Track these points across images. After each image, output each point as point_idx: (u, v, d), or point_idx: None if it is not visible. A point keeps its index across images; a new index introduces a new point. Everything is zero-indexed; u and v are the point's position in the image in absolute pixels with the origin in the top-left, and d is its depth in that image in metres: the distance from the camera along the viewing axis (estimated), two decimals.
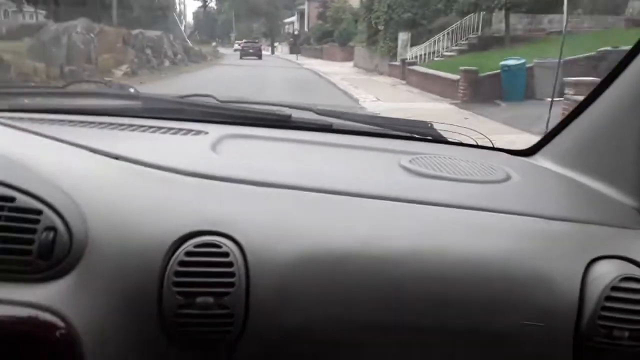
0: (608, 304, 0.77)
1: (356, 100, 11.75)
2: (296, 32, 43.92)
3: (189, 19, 57.83)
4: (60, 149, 0.88)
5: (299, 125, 1.26)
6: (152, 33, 20.09)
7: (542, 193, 0.99)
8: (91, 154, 0.89)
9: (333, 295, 0.78)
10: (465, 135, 1.32)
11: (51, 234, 0.74)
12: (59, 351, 0.72)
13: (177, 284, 0.75)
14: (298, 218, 0.83)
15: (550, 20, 17.47)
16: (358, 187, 0.88)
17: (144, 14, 27.24)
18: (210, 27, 76.37)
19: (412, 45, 18.48)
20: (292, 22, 52.87)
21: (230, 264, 0.76)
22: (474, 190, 0.94)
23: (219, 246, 0.77)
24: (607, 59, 8.38)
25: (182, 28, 29.91)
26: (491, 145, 1.29)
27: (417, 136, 1.29)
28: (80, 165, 0.86)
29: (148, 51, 18.95)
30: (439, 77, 12.83)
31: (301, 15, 49.19)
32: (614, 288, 0.77)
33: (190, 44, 28.07)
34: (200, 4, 52.27)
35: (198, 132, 1.11)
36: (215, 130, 1.12)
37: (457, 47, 16.33)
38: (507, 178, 1.00)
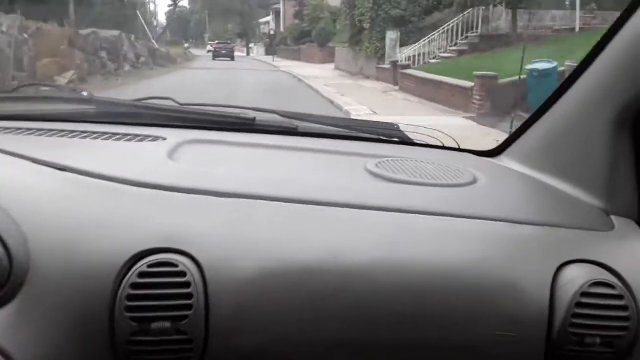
0: (579, 311, 0.75)
1: (347, 114, 9.54)
2: (272, 32, 41.79)
3: (162, 19, 55.12)
4: None
5: (264, 128, 1.21)
6: (109, 33, 17.51)
7: (509, 196, 0.97)
8: (35, 165, 0.82)
9: (297, 312, 0.74)
10: (431, 136, 1.31)
11: None
12: None
13: (130, 309, 0.70)
14: (260, 230, 0.77)
15: (553, 16, 15.65)
16: (322, 195, 0.84)
17: (105, 11, 24.54)
18: (183, 28, 74.20)
19: (401, 45, 16.39)
20: (268, 22, 51.29)
21: (187, 284, 0.70)
22: (441, 195, 0.90)
23: (175, 265, 0.71)
24: None
25: (146, 28, 27.24)
26: (457, 147, 1.28)
27: (383, 138, 1.27)
28: (21, 179, 0.80)
29: (103, 54, 16.40)
30: (443, 83, 10.69)
31: (277, 14, 47.64)
32: (584, 294, 0.75)
33: (156, 45, 25.46)
34: (171, 3, 49.58)
35: (155, 138, 1.04)
36: (174, 136, 1.06)
37: (455, 48, 14.23)
38: (474, 181, 0.97)
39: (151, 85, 14.77)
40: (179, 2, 52.10)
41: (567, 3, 16.14)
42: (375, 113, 9.46)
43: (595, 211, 0.90)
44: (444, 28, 14.44)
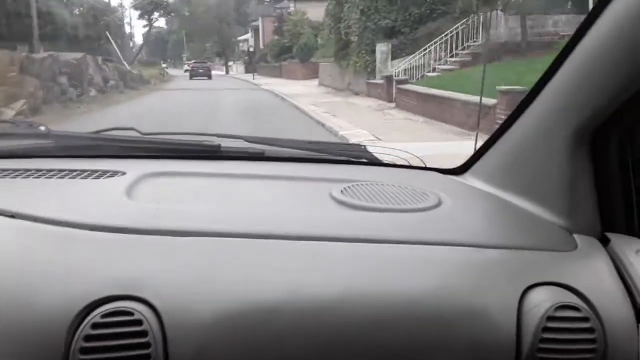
0: (546, 335, 0.73)
1: (343, 140, 7.79)
2: (251, 49, 40.36)
3: (140, 40, 53.37)
4: None
5: (229, 155, 1.20)
6: (70, 55, 15.63)
7: (473, 218, 0.94)
8: None
9: (259, 355, 0.72)
10: (397, 156, 1.32)
11: None
12: None
13: None
14: (220, 270, 0.74)
15: (555, 22, 14.25)
16: (285, 228, 0.82)
17: (73, 33, 22.63)
18: (161, 49, 72.66)
19: (392, 58, 14.85)
20: (247, 40, 49.87)
21: (144, 333, 0.67)
22: (405, 221, 0.89)
23: (130, 313, 0.68)
24: None
25: (116, 49, 25.36)
26: (423, 165, 1.29)
27: (351, 159, 1.26)
28: None
29: (63, 79, 14.51)
30: (453, 100, 9.06)
31: (255, 31, 46.56)
32: (550, 318, 0.73)
33: (127, 66, 23.52)
34: (146, 24, 47.85)
35: (114, 174, 1.01)
36: (135, 169, 1.04)
37: (455, 59, 12.69)
38: (439, 204, 0.95)
39: (116, 112, 12.95)
40: (155, 22, 50.42)
41: (568, 6, 14.78)
42: (378, 139, 7.77)
43: (557, 230, 0.88)
44: (442, 38, 12.89)
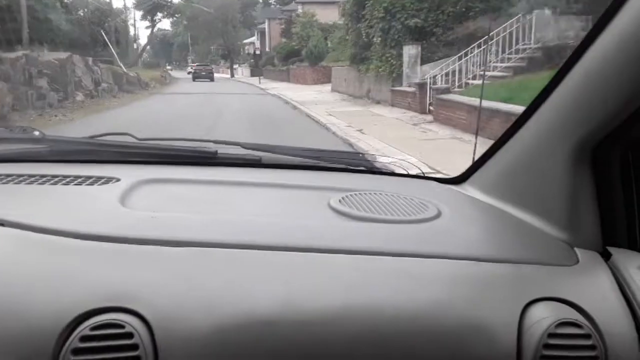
0: (546, 353, 0.71)
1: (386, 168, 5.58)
2: (257, 52, 38.39)
3: (145, 42, 51.48)
4: None
5: (226, 161, 1.17)
6: (52, 55, 13.46)
7: (473, 231, 0.92)
8: None
9: None
10: (395, 165, 1.28)
11: None
12: None
13: None
14: (214, 282, 0.71)
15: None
16: (282, 239, 0.79)
17: (65, 32, 20.49)
18: (166, 51, 70.91)
19: (421, 63, 12.67)
20: (252, 43, 47.92)
21: (135, 347, 0.64)
22: (405, 233, 0.86)
23: (121, 326, 0.65)
24: None
25: (112, 49, 23.21)
26: (422, 174, 1.26)
27: (350, 167, 1.22)
28: None
29: (42, 82, 12.34)
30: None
31: (261, 34, 44.59)
32: (551, 335, 0.71)
33: (123, 68, 21.30)
34: (149, 24, 45.82)
35: (108, 180, 0.98)
36: (130, 175, 1.01)
37: (508, 64, 10.44)
38: (438, 215, 0.93)
39: (100, 121, 10.70)
40: (158, 23, 48.49)
41: None
42: (440, 172, 5.53)
43: (558, 244, 0.85)
44: (488, 39, 10.67)
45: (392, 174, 1.22)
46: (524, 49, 10.44)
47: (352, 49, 16.09)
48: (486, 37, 10.66)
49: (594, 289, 0.76)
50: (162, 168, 1.08)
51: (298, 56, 28.92)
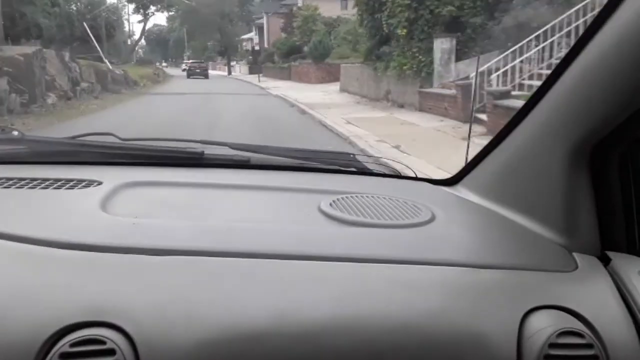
0: None
1: None
2: (256, 48, 36.20)
3: (139, 37, 49.03)
4: None
5: (213, 162, 1.12)
6: (16, 50, 11.20)
7: (468, 236, 0.89)
8: None
9: None
10: (387, 165, 1.25)
11: None
12: None
13: None
14: (200, 293, 0.68)
15: None
16: (270, 246, 0.76)
17: (46, 26, 18.18)
18: (162, 47, 68.53)
19: (455, 60, 10.52)
20: (251, 39, 45.68)
21: None
22: (399, 238, 0.83)
23: (102, 342, 0.62)
24: None
25: (95, 43, 20.83)
26: (414, 175, 1.22)
27: (340, 169, 1.19)
28: None
29: (2, 81, 10.06)
30: None
31: (260, 30, 42.27)
32: (552, 345, 0.68)
33: (108, 65, 18.95)
34: (142, 19, 43.42)
35: (89, 183, 0.94)
36: (112, 178, 0.97)
37: None
38: (432, 219, 0.89)
39: (68, 132, 8.51)
40: (151, 16, 46.15)
41: None
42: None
43: (556, 249, 0.83)
44: (547, 33, 8.47)
45: (384, 175, 1.20)
46: None
47: (368, 42, 13.87)
48: (546, 28, 8.48)
49: (594, 295, 0.74)
50: (146, 170, 1.06)
51: (300, 53, 26.75)
